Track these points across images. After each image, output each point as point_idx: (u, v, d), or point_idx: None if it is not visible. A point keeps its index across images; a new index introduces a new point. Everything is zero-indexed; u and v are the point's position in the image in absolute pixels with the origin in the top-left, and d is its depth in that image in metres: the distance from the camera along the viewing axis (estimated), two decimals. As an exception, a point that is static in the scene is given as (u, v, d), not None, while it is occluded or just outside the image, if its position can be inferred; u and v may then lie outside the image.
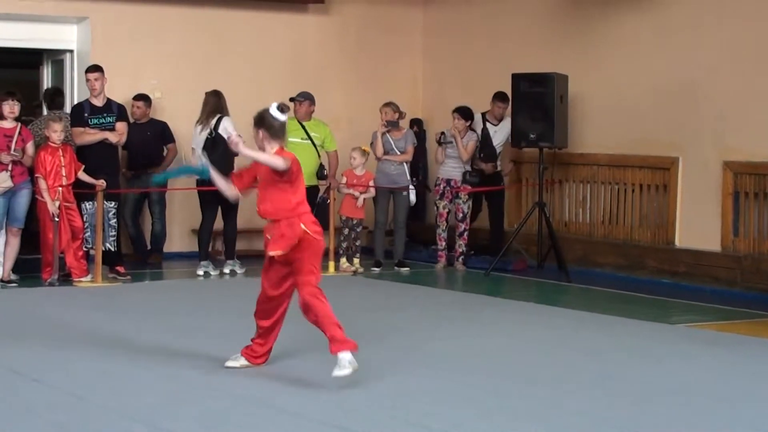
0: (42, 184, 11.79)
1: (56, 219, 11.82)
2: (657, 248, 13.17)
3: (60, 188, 11.83)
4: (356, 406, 6.79)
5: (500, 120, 14.27)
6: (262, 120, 7.63)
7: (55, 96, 13.84)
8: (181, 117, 14.33)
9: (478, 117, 14.21)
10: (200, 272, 13.02)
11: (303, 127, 13.50)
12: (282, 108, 7.65)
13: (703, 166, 12.70)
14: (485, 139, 14.21)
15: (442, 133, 14.10)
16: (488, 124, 14.23)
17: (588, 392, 7.30)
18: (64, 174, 11.90)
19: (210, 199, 12.82)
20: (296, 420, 6.47)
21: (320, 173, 13.58)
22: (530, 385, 7.46)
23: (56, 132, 11.88)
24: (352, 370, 7.20)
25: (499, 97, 14.17)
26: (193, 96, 14.73)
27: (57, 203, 11.83)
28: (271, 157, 7.49)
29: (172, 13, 14.75)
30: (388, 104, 13.87)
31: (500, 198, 14.47)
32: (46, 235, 11.91)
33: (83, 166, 12.04)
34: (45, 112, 14.40)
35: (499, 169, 14.39)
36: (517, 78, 13.65)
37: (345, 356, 7.23)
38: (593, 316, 10.53)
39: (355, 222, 13.60)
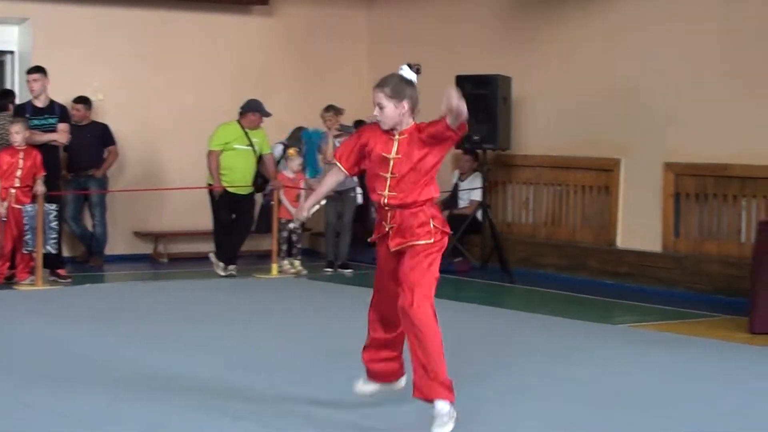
0: None
1: (3, 219, 11.79)
2: (599, 249, 13.25)
3: (12, 190, 11.81)
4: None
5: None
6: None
7: (3, 97, 13.69)
8: (124, 119, 14.25)
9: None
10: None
11: (246, 134, 13.28)
12: (415, 69, 6.56)
13: (645, 168, 12.77)
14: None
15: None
16: None
17: (525, 392, 7.32)
18: (18, 176, 11.85)
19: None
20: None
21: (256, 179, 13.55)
22: (466, 385, 7.48)
23: (16, 133, 11.84)
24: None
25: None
26: (136, 98, 14.68)
27: (6, 204, 11.80)
28: None
29: (114, 14, 14.60)
30: (329, 109, 13.73)
31: None
32: None
33: (45, 173, 11.99)
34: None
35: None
36: (460, 80, 13.68)
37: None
38: (535, 316, 10.57)
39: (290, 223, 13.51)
